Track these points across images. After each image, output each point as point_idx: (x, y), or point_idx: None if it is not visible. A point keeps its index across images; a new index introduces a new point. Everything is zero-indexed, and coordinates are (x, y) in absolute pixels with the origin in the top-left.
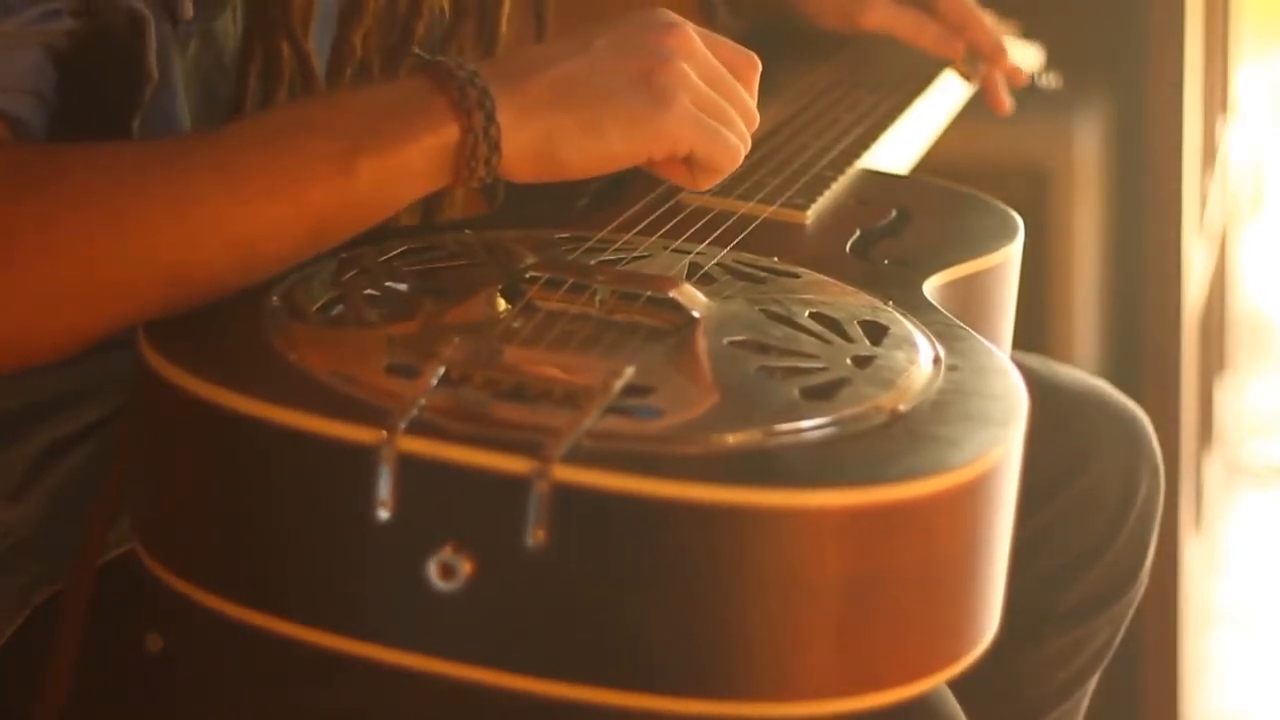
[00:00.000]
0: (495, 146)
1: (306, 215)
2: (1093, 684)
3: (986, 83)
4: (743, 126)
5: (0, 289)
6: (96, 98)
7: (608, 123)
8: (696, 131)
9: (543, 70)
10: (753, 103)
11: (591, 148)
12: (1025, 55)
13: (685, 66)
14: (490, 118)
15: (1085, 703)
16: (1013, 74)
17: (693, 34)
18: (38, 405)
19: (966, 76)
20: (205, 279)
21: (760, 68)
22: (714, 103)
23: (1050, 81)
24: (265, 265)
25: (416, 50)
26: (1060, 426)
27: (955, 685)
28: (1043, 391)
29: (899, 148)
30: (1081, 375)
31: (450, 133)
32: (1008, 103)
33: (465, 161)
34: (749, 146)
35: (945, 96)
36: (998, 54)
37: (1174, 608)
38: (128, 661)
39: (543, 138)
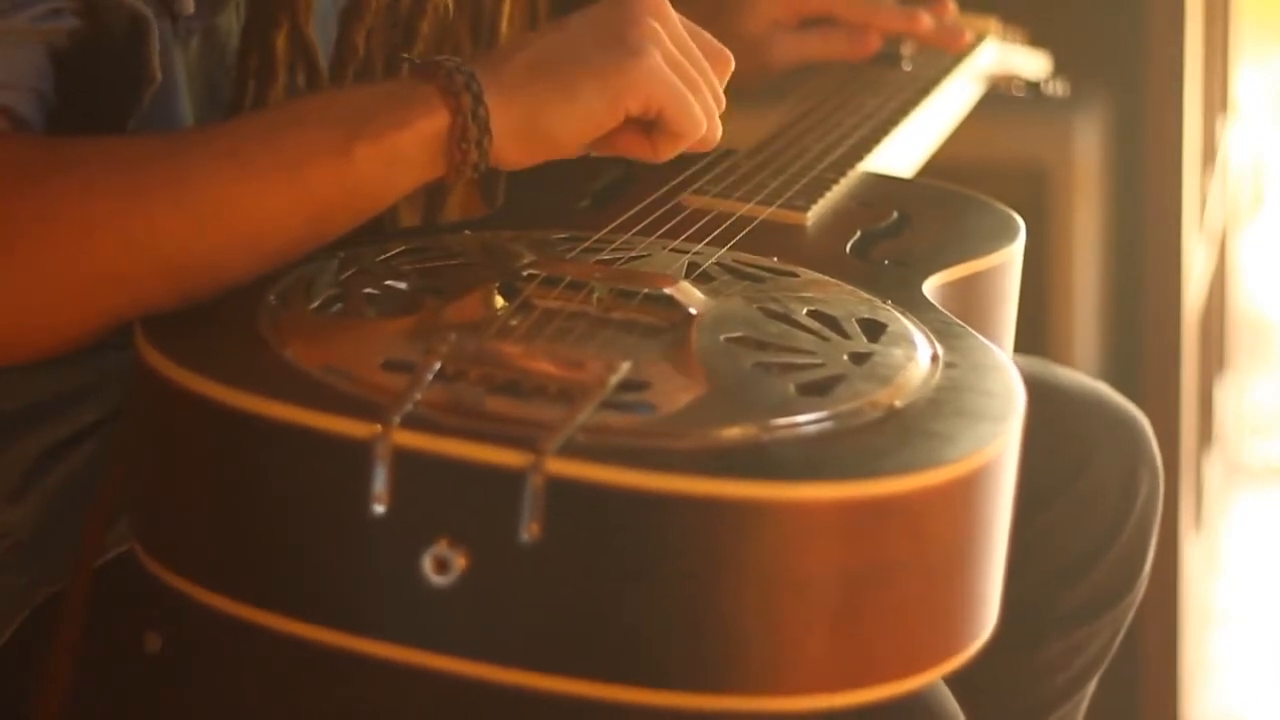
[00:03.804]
0: (485, 127)
1: (306, 202)
2: (1093, 685)
3: (927, 40)
4: (710, 100)
5: (1, 280)
6: (94, 99)
7: (582, 83)
8: (667, 87)
9: (520, 51)
10: (719, 87)
11: (571, 112)
12: (1033, 62)
13: (656, 25)
14: (478, 99)
15: (1085, 704)
16: (940, 36)
17: (666, 4)
18: (38, 405)
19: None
20: (206, 270)
21: (732, 65)
22: (684, 67)
23: (1057, 89)
24: (265, 257)
25: (405, 56)
26: (1060, 429)
27: (955, 686)
28: (1042, 394)
29: (903, 151)
30: (1081, 378)
31: (441, 117)
32: (960, 37)
33: (457, 144)
34: (717, 129)
35: (951, 101)
36: (912, 23)
37: (1174, 608)
38: (127, 661)
39: (526, 112)
